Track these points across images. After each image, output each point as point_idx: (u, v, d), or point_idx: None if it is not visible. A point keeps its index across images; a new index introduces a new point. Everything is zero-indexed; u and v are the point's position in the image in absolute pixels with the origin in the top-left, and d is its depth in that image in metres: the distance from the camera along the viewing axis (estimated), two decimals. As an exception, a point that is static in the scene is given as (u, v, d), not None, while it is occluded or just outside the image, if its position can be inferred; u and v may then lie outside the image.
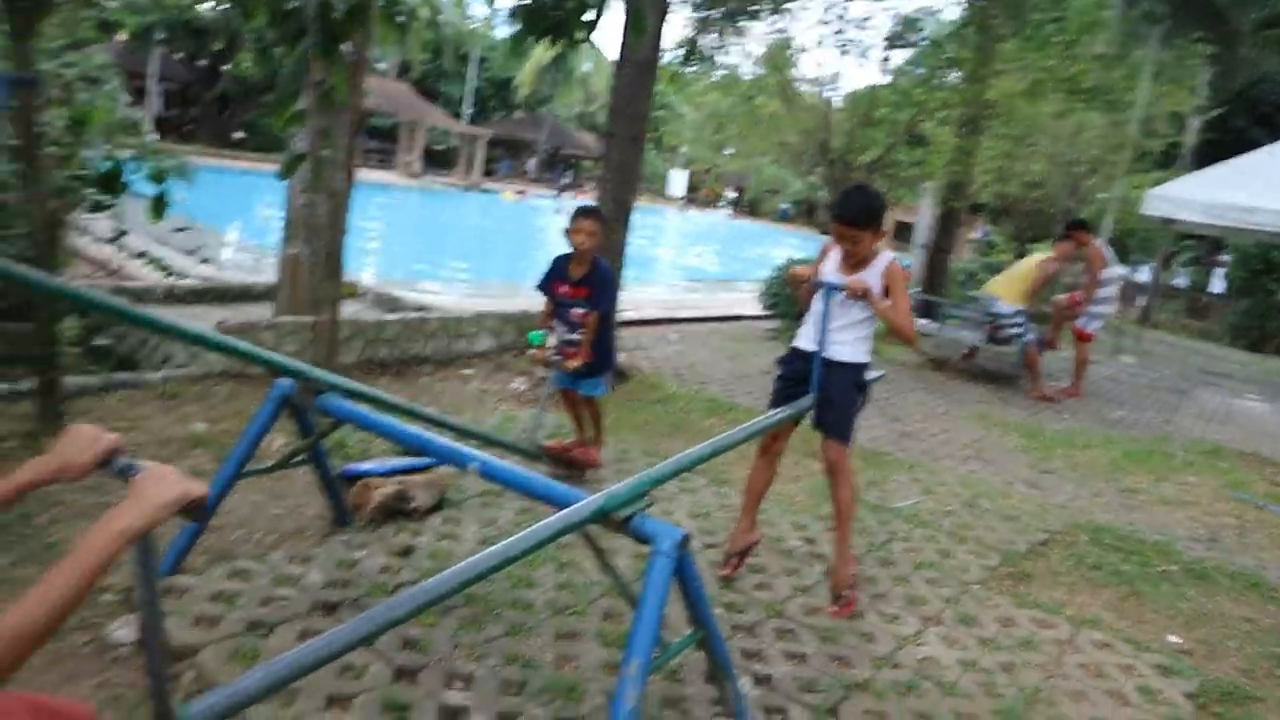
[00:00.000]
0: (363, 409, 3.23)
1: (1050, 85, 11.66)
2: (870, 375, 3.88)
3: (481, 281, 14.53)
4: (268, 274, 9.25)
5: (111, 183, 5.99)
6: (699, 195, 53.52)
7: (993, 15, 11.04)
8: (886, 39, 12.00)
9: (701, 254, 26.37)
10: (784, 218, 50.71)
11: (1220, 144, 21.75)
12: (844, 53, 11.32)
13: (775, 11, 10.69)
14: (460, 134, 38.10)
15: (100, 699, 2.70)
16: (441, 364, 6.94)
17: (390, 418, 3.29)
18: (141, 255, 6.93)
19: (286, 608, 3.22)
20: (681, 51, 10.69)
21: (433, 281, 12.91)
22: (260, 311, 7.69)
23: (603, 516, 2.46)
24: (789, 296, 10.40)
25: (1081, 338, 9.55)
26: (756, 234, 38.39)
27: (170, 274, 7.12)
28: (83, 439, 1.62)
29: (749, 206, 53.06)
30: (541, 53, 36.41)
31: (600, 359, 4.79)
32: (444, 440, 3.10)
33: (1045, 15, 12.14)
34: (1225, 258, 24.97)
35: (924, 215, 13.88)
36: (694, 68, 11.06)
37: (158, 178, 6.33)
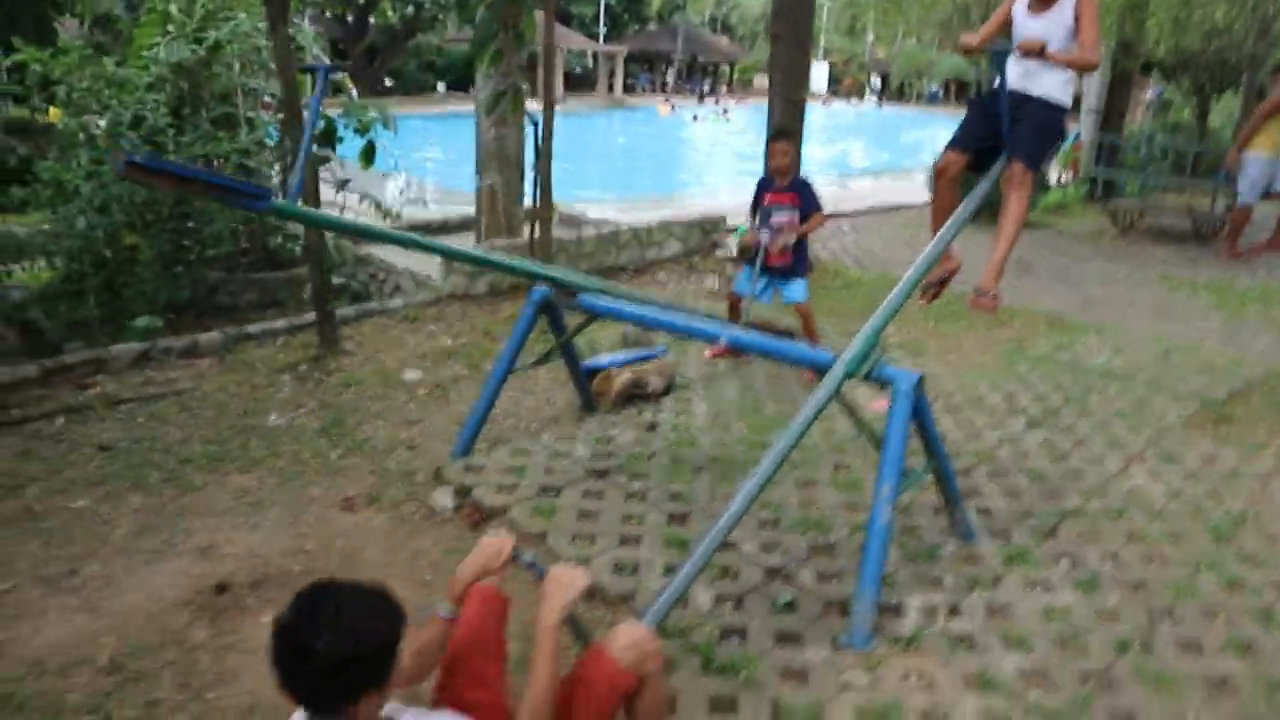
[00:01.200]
0: (618, 304, 3.76)
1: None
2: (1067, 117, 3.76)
3: (652, 193, 14.98)
4: (454, 208, 10.03)
5: (329, 137, 6.75)
6: (841, 87, 51.89)
7: None
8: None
9: (854, 147, 25.89)
10: (933, 100, 48.64)
11: None
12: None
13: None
14: (596, 53, 38.31)
15: (438, 549, 3.41)
16: (637, 271, 7.51)
17: (637, 308, 3.80)
18: (364, 199, 7.74)
19: (566, 474, 3.86)
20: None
21: (605, 199, 13.47)
22: (462, 240, 8.43)
23: (852, 374, 2.92)
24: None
25: None
26: (907, 120, 37.10)
27: (387, 215, 7.92)
28: (492, 547, 2.13)
29: (896, 93, 51.11)
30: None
31: (799, 262, 5.17)
32: (691, 321, 3.60)
33: None
34: None
35: (1092, 78, 13.31)
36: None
37: (364, 129, 7.08)
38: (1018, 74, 3.57)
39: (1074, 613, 2.97)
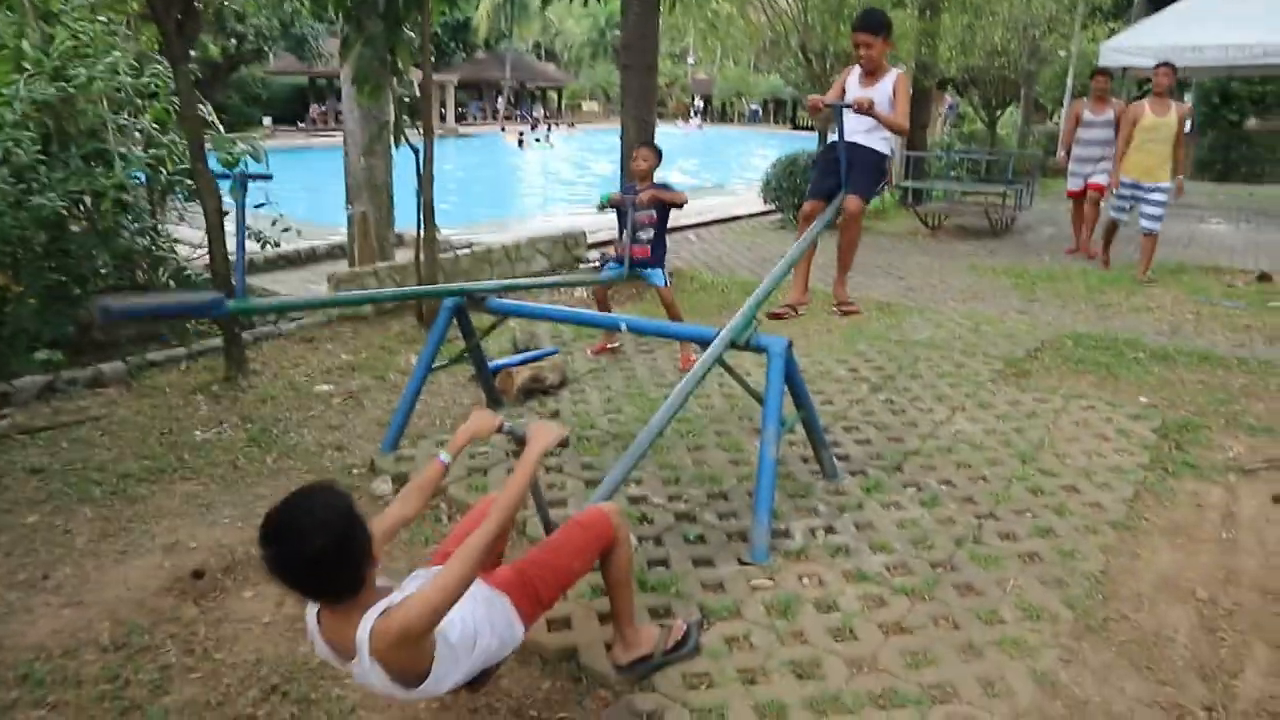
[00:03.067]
0: (523, 304, 4.31)
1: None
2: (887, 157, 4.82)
3: (495, 218, 15.47)
4: (315, 240, 10.24)
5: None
6: (668, 109, 53.78)
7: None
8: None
9: (687, 165, 27.15)
10: (755, 119, 51.12)
11: (1169, -14, 22.40)
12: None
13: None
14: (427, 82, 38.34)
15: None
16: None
17: (545, 306, 4.38)
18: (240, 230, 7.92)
19: (489, 457, 4.38)
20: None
21: (459, 223, 13.86)
22: (330, 268, 8.72)
23: (733, 343, 3.59)
24: (788, 188, 11.45)
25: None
26: (732, 138, 39.02)
27: (265, 244, 8.13)
28: (485, 415, 2.68)
29: (719, 113, 53.35)
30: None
31: (658, 251, 5.83)
32: (591, 314, 4.21)
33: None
34: (1188, 94, 25.82)
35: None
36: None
37: (232, 162, 7.32)
38: (852, 127, 4.61)
39: (921, 522, 3.74)
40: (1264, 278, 8.43)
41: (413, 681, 2.11)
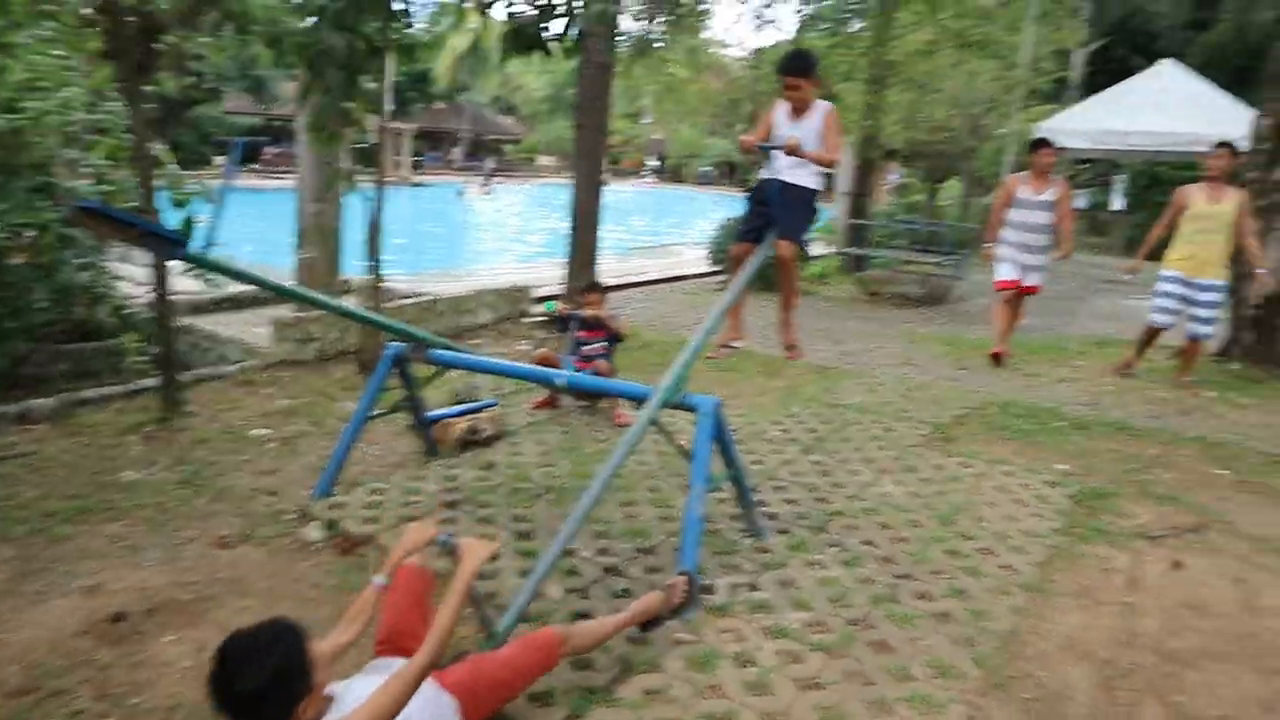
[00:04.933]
0: (465, 356, 4.39)
1: (943, 41, 13.09)
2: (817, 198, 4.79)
3: (445, 267, 15.52)
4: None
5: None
6: (621, 166, 54.52)
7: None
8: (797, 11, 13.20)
9: (638, 222, 27.52)
10: (706, 180, 52.01)
11: (1105, 74, 23.57)
12: (760, 28, 12.52)
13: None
14: (383, 130, 38.48)
15: (316, 573, 3.87)
16: (453, 337, 8.07)
17: (483, 358, 4.46)
18: (188, 270, 7.90)
19: (422, 506, 4.41)
20: (633, 47, 11.71)
21: (408, 271, 13.89)
22: (275, 312, 8.70)
23: (668, 400, 3.70)
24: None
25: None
26: (684, 198, 39.63)
27: (210, 285, 8.11)
28: (420, 528, 2.77)
29: (671, 172, 54.22)
30: (458, 43, 36.99)
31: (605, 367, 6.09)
32: (531, 369, 4.30)
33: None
34: (1120, 175, 26.95)
35: (842, 165, 15.28)
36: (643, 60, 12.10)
37: (183, 202, 7.34)
38: (781, 166, 4.56)
39: (841, 581, 3.85)
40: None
41: None
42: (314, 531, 4.17)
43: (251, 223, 19.32)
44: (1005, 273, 7.96)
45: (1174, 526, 4.65)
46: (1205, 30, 27.63)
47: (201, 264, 3.56)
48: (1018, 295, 7.95)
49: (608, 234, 21.45)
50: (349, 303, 8.30)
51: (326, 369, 6.89)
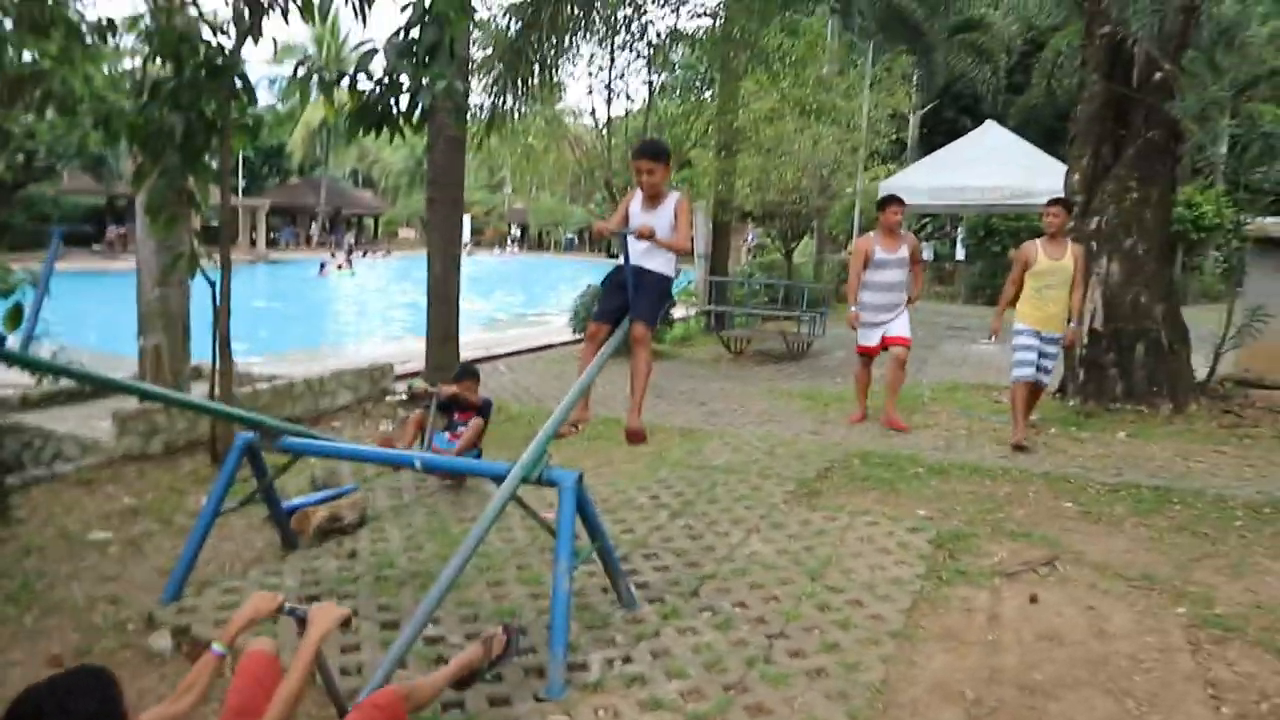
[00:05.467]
0: (319, 443, 4.24)
1: (786, 108, 13.70)
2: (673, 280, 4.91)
3: (305, 347, 15.08)
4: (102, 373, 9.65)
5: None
6: (484, 237, 54.53)
7: (732, 56, 12.85)
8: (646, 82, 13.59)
9: (502, 293, 27.47)
10: (570, 247, 52.55)
11: (937, 134, 25.19)
12: (609, 101, 12.84)
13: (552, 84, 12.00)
14: (237, 207, 37.49)
15: (164, 685, 3.62)
16: (312, 421, 7.80)
17: (337, 444, 4.32)
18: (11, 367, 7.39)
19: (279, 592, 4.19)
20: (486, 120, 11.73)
21: (266, 353, 13.43)
22: (117, 404, 8.22)
23: (526, 477, 3.65)
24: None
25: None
26: (547, 266, 39.85)
27: (42, 378, 7.61)
28: (265, 598, 2.69)
29: (534, 241, 54.56)
30: (311, 118, 36.48)
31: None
32: (385, 452, 4.18)
33: (775, 47, 14.10)
34: (960, 227, 28.64)
35: (698, 229, 15.69)
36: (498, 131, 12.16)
37: (8, 290, 6.90)
38: (637, 252, 4.69)
39: (715, 646, 3.84)
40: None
41: None
42: (160, 640, 3.90)
43: (95, 308, 18.37)
44: (866, 338, 8.09)
45: (1027, 561, 4.85)
46: (1021, 93, 29.90)
47: (20, 362, 3.34)
48: (877, 352, 8.12)
49: (471, 306, 21.39)
50: (199, 390, 7.97)
51: (176, 462, 6.54)
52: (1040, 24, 29.89)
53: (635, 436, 4.80)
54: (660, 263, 4.74)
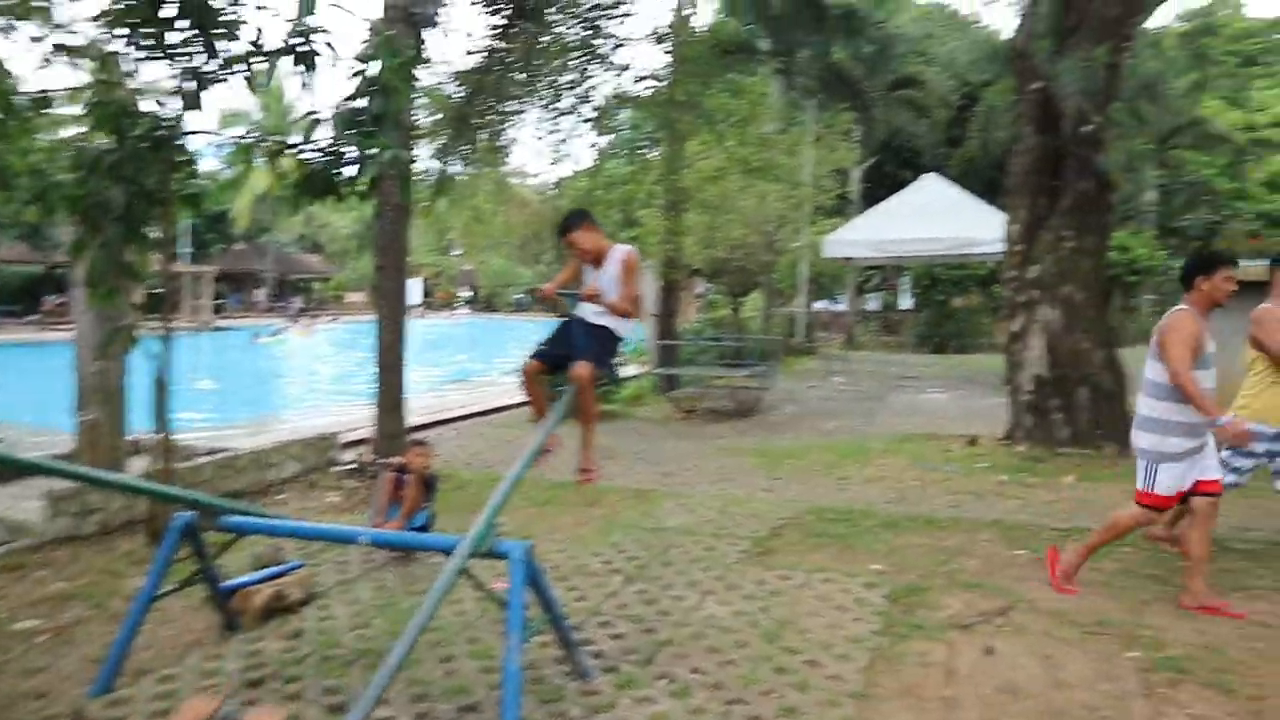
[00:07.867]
0: (261, 520, 4.12)
1: (730, 167, 13.94)
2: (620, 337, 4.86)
3: (250, 416, 14.78)
4: (35, 449, 9.34)
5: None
6: (435, 299, 54.36)
7: (677, 119, 13.05)
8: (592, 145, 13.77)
9: (453, 355, 27.28)
10: (521, 308, 52.54)
11: (880, 187, 25.72)
12: (555, 162, 12.95)
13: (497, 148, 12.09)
14: (181, 274, 36.95)
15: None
16: (257, 494, 7.62)
17: (280, 520, 4.20)
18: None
19: (221, 691, 4.03)
20: (434, 185, 11.75)
21: (210, 424, 13.12)
22: (51, 483, 7.95)
23: (475, 551, 3.58)
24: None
25: None
26: (498, 327, 39.70)
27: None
28: (197, 703, 2.60)
29: (485, 302, 54.52)
30: (257, 184, 36.22)
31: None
32: (333, 529, 4.07)
33: (719, 107, 14.34)
34: (905, 277, 29.22)
35: (647, 287, 15.77)
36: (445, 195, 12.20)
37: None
38: (586, 310, 4.70)
39: (672, 715, 3.76)
40: (972, 441, 9.43)
41: None
42: (98, 741, 3.72)
43: (31, 380, 17.88)
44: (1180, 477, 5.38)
45: (982, 613, 4.85)
46: (958, 146, 30.78)
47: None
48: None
49: (420, 370, 21.20)
50: (138, 466, 7.75)
51: (111, 543, 6.31)
52: (974, 80, 30.98)
53: (587, 475, 4.80)
54: (604, 319, 4.71)
